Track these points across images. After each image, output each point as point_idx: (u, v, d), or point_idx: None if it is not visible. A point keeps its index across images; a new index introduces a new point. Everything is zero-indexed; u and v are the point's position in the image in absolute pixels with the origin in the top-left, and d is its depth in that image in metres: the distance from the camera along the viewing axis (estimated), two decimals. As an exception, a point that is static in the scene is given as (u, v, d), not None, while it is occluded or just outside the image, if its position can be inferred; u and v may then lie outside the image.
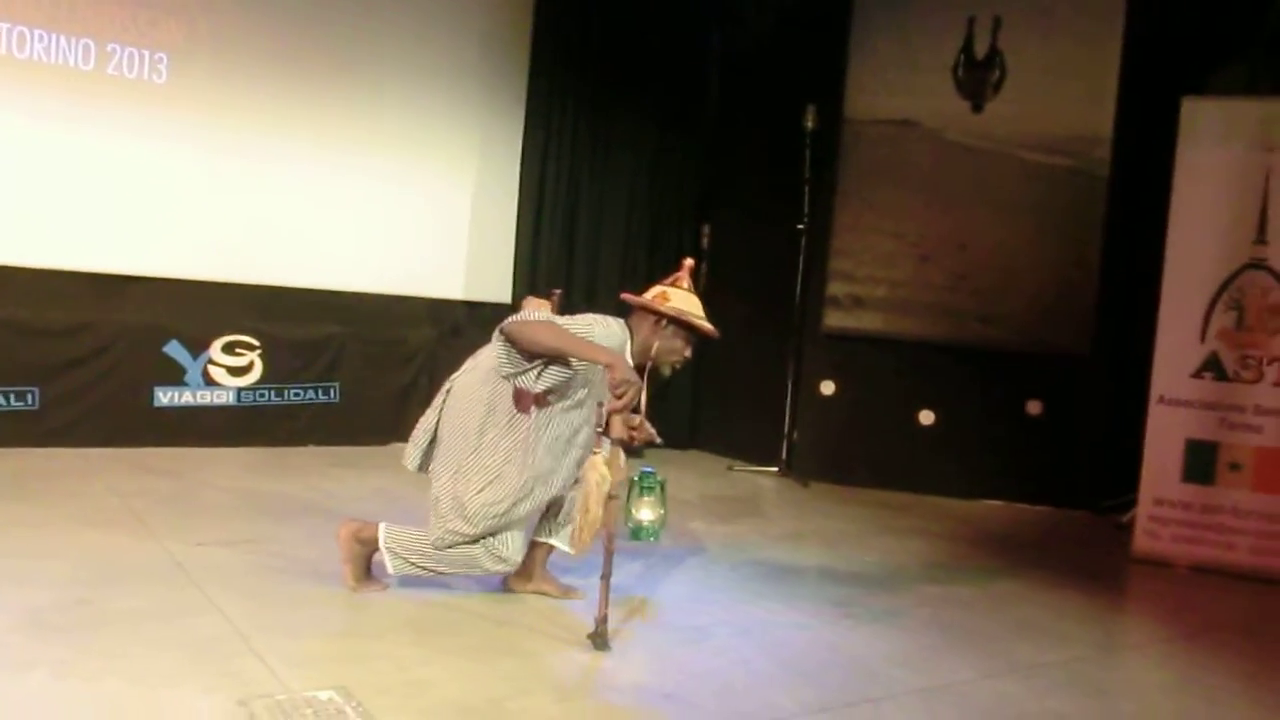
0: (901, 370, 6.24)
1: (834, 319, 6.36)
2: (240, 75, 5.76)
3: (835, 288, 6.36)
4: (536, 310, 3.14)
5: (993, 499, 6.06)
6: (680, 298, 3.31)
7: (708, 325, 3.32)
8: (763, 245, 6.72)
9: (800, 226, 6.38)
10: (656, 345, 3.29)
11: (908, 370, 6.23)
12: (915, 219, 6.22)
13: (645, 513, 4.00)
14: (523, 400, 3.19)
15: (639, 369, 3.25)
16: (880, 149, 6.24)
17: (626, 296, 3.37)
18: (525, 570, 3.52)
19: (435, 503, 3.26)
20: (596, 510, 3.01)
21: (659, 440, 3.48)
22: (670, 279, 3.38)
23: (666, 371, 3.36)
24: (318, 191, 6.04)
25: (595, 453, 3.07)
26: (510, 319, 3.08)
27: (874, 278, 6.29)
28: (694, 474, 6.36)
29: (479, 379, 3.25)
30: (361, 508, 4.48)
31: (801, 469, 6.38)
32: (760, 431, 6.65)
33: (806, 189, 6.35)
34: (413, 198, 6.37)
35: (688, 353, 3.35)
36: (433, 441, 3.33)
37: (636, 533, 4.15)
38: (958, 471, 6.11)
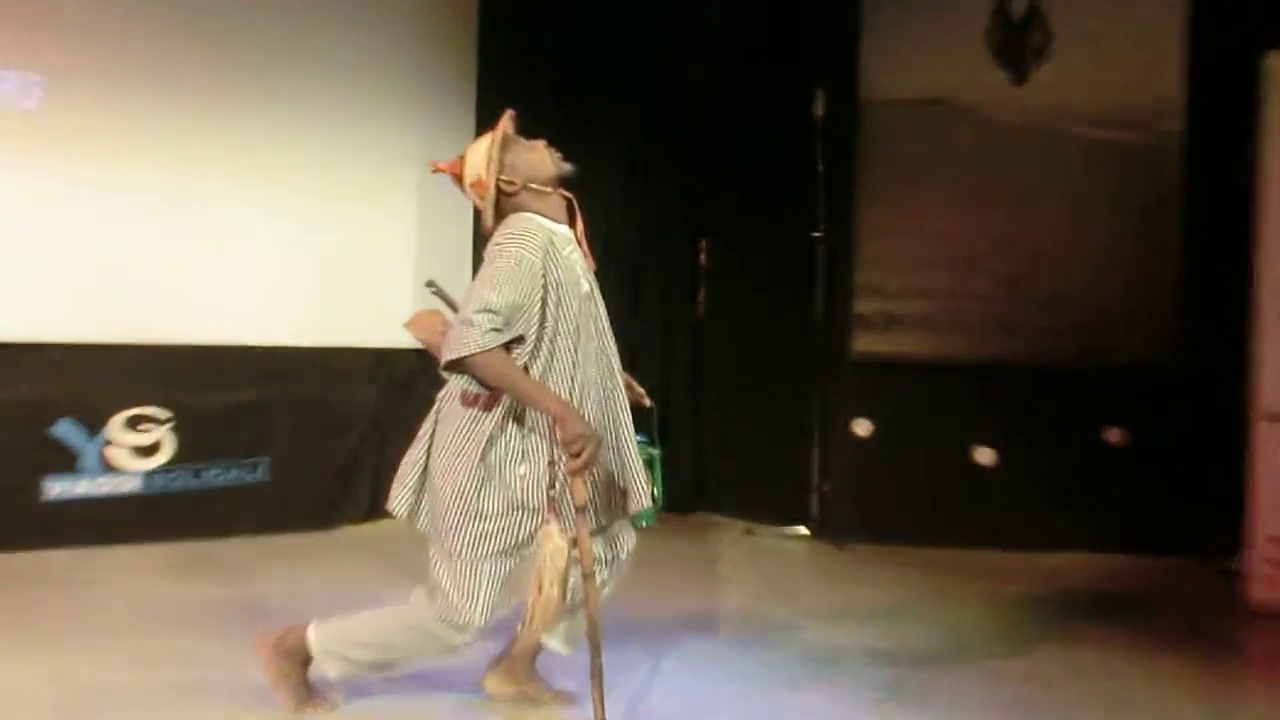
0: (950, 400, 6.22)
1: (864, 343, 6.37)
2: (132, 98, 5.77)
3: (863, 305, 6.37)
4: (461, 319, 3.09)
5: (1070, 550, 6.02)
6: (472, 161, 3.29)
7: (501, 122, 3.32)
8: (772, 260, 6.71)
9: (816, 234, 6.41)
10: (530, 177, 3.27)
11: (958, 400, 6.21)
12: (954, 216, 6.25)
13: None
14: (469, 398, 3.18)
15: (561, 201, 3.29)
16: (905, 135, 6.27)
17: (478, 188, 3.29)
18: (509, 671, 3.53)
19: (440, 563, 3.22)
20: (551, 591, 3.02)
21: (648, 402, 3.52)
22: (457, 181, 3.34)
23: (566, 168, 3.35)
24: (232, 229, 6.04)
25: (550, 520, 3.08)
26: (445, 351, 3.06)
27: (909, 290, 6.31)
28: (703, 541, 6.33)
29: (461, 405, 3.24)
30: (305, 609, 4.46)
31: (836, 528, 6.36)
32: (783, 485, 6.62)
33: (821, 189, 6.39)
34: (346, 230, 6.38)
35: (538, 143, 3.36)
36: (422, 482, 3.30)
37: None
38: (1026, 519, 6.08)
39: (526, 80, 6.69)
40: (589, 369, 3.23)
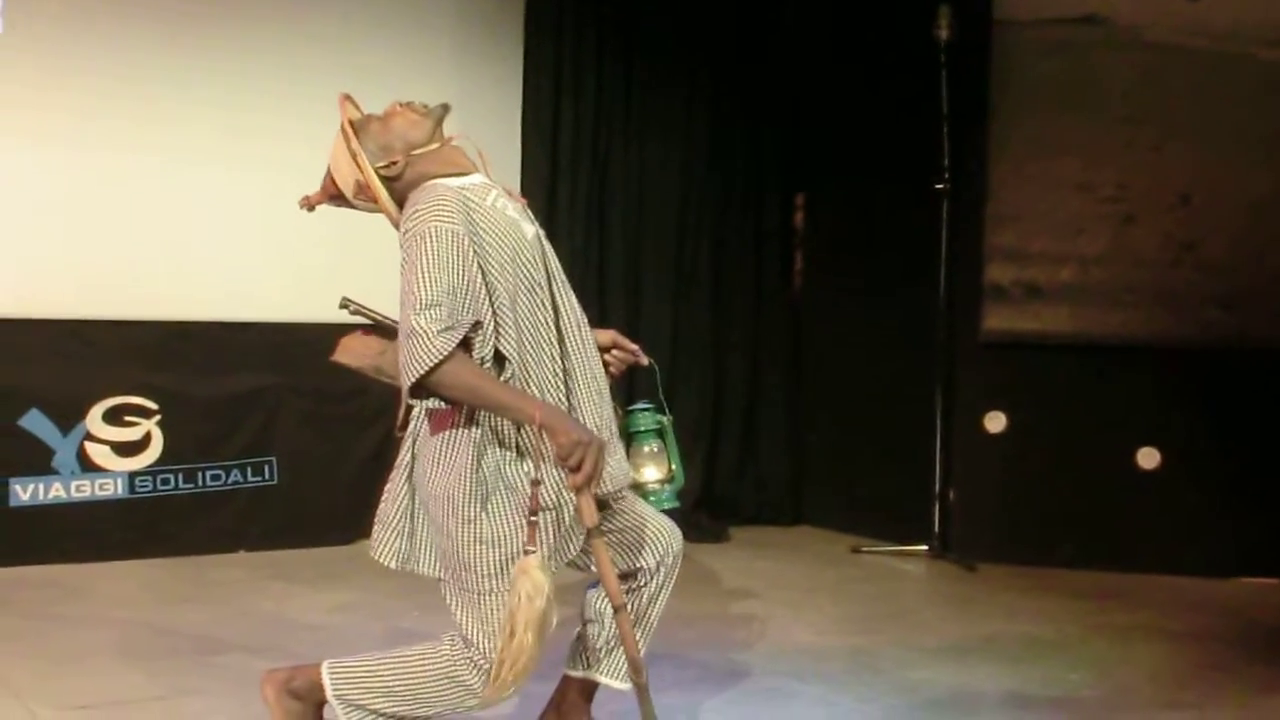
0: (1105, 389, 6.20)
1: (998, 319, 6.34)
2: (101, 31, 5.80)
3: (997, 272, 6.33)
4: (404, 332, 3.06)
5: (1253, 575, 6.00)
6: (338, 166, 3.33)
7: (340, 110, 3.38)
8: (885, 218, 6.70)
9: (940, 186, 6.36)
10: (402, 147, 3.28)
11: (1113, 390, 6.18)
12: (1111, 162, 6.19)
13: (649, 471, 3.93)
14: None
15: (452, 148, 3.30)
16: (1051, 62, 6.22)
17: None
18: (561, 719, 3.48)
19: (462, 604, 3.20)
20: (524, 637, 2.96)
21: (645, 360, 3.51)
22: (339, 196, 3.38)
23: (420, 105, 3.36)
24: (230, 187, 6.09)
25: (529, 551, 3.02)
26: (403, 377, 3.04)
27: (1054, 254, 6.26)
28: (802, 561, 6.34)
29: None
30: (320, 641, 4.46)
31: (964, 546, 6.34)
32: (898, 494, 6.62)
33: (946, 130, 6.32)
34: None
35: (387, 107, 3.38)
36: (413, 520, 3.28)
37: (645, 499, 4.09)
38: (1199, 536, 6.05)
39: (580, 8, 6.65)
40: (564, 329, 3.21)
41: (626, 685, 3.36)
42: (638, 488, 3.76)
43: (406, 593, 4.38)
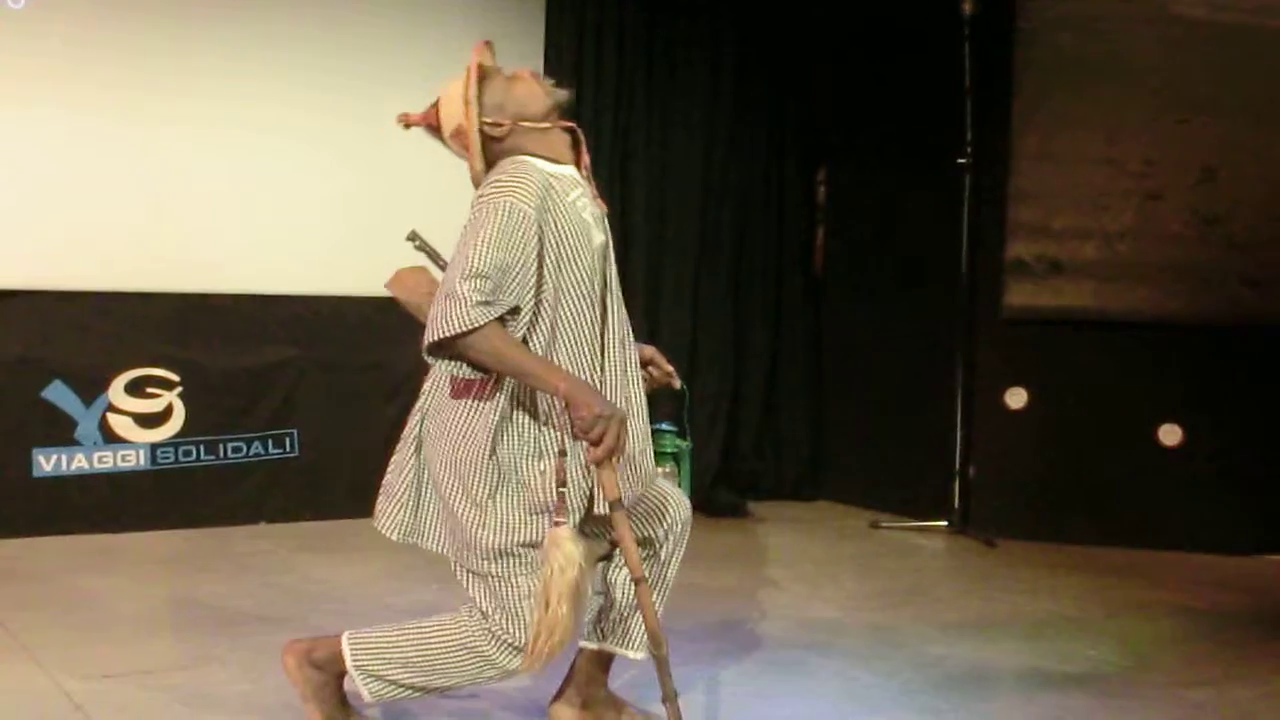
0: (1127, 366, 6.19)
1: (1020, 294, 6.34)
2: (133, 4, 5.81)
3: (1020, 248, 6.33)
4: (443, 291, 3.04)
5: (1277, 552, 6.00)
6: (448, 108, 3.29)
7: (473, 58, 3.29)
8: (906, 192, 6.70)
9: (962, 161, 6.36)
10: (518, 114, 3.24)
11: (1136, 366, 6.19)
12: (1136, 136, 6.17)
13: None
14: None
15: (565, 135, 3.26)
16: (1075, 35, 6.20)
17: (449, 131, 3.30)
18: (579, 693, 3.49)
19: (471, 579, 3.22)
20: (559, 609, 2.99)
21: (677, 383, 3.49)
22: (434, 132, 3.36)
23: (560, 94, 3.30)
24: (252, 158, 6.08)
25: (558, 523, 3.03)
26: (428, 332, 3.05)
27: (1078, 230, 6.25)
28: (822, 536, 6.35)
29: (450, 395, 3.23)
30: (340, 612, 4.48)
31: (984, 522, 6.34)
32: (917, 469, 6.64)
33: (969, 104, 6.32)
34: (386, 160, 6.37)
35: (519, 71, 3.33)
36: (419, 494, 3.31)
37: None
38: (1224, 514, 6.04)
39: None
40: (607, 343, 3.19)
41: (641, 655, 3.37)
42: None
43: (426, 565, 4.37)
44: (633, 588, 3.20)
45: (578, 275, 3.13)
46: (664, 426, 3.64)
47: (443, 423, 3.19)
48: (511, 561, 3.13)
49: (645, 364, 3.41)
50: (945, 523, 6.42)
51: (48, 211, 5.68)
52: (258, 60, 6.09)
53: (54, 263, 5.70)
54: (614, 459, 3.03)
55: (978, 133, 6.33)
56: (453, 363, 3.06)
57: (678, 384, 3.51)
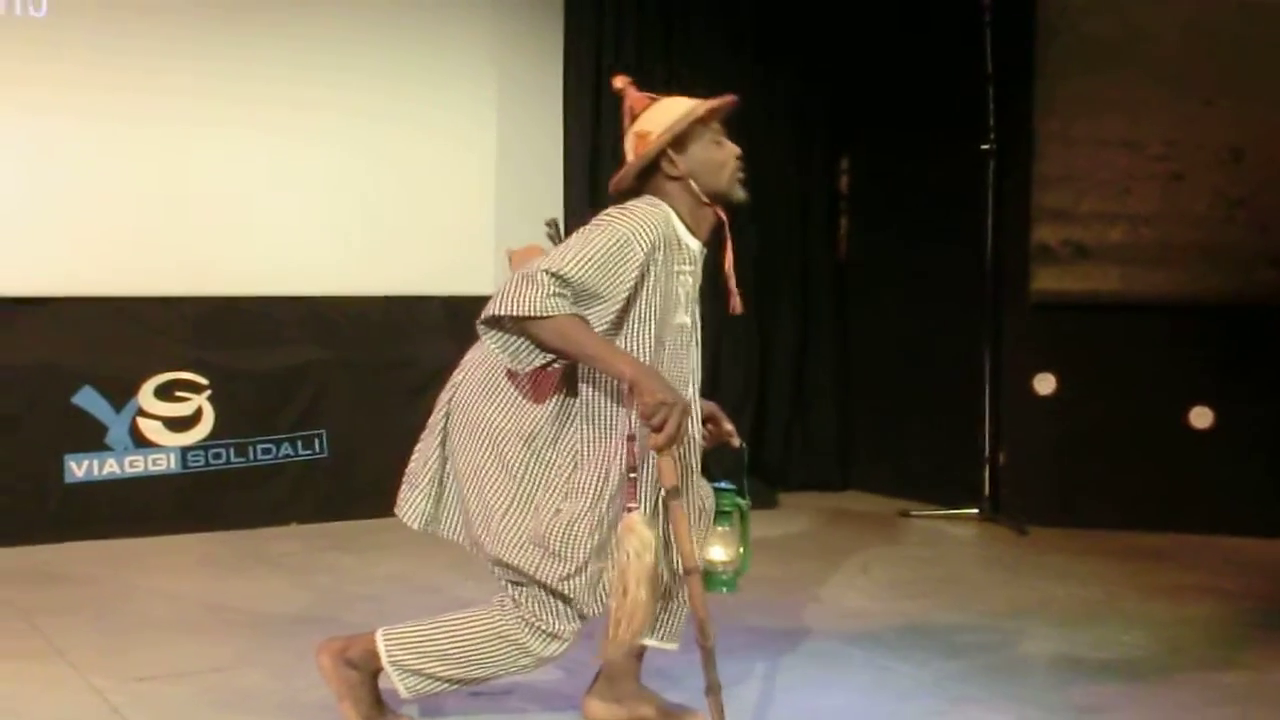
0: (1156, 349, 6.17)
1: (1047, 279, 6.32)
2: (159, 7, 5.82)
3: (1045, 233, 6.30)
4: (524, 273, 3.06)
5: None
6: (654, 113, 3.27)
7: (712, 102, 3.26)
8: (930, 179, 6.68)
9: (985, 147, 6.33)
10: (698, 174, 3.24)
11: (1165, 349, 6.16)
12: (1160, 119, 6.14)
13: (715, 550, 3.92)
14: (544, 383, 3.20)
15: (713, 220, 3.29)
16: (1098, 18, 6.17)
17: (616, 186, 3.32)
18: (611, 687, 3.49)
19: (501, 569, 3.25)
20: (638, 593, 3.00)
21: (736, 442, 3.49)
22: (629, 115, 3.32)
23: (740, 195, 3.32)
24: (279, 161, 6.10)
25: (630, 509, 3.05)
26: (492, 304, 3.06)
27: (1103, 213, 6.22)
28: (850, 526, 6.34)
29: (479, 388, 3.26)
30: (374, 611, 4.50)
31: (1015, 509, 6.33)
32: (947, 457, 6.63)
33: (991, 89, 6.30)
34: (413, 162, 6.39)
35: (731, 148, 3.30)
36: (442, 485, 3.33)
37: (704, 580, 4.08)
38: (1256, 496, 6.01)
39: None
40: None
41: (673, 646, 3.39)
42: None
43: (459, 564, 4.38)
44: (665, 578, 3.21)
45: (649, 334, 3.16)
46: (723, 485, 3.63)
47: (479, 414, 3.22)
48: (541, 551, 3.15)
49: (705, 420, 3.42)
50: (975, 510, 6.41)
51: (75, 219, 5.70)
52: (283, 64, 6.11)
53: (82, 270, 5.73)
54: (673, 447, 3.04)
55: (1000, 118, 6.30)
56: (506, 351, 3.08)
57: (736, 443, 3.51)
